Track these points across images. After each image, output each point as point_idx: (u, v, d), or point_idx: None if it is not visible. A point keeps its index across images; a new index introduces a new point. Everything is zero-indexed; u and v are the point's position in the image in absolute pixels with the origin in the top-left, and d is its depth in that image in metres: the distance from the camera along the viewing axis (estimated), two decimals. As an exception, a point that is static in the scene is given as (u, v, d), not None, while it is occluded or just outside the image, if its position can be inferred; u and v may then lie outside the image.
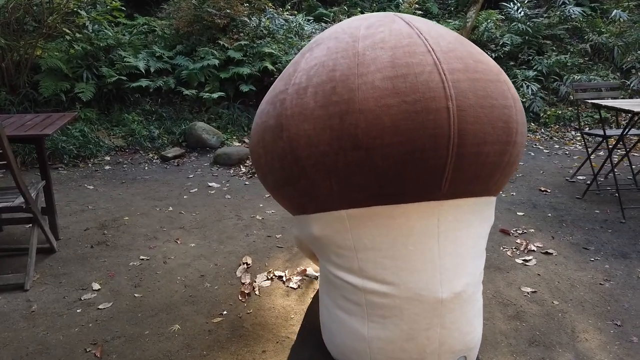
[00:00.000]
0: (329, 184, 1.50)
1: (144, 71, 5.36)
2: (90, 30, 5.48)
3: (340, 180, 1.35)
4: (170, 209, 3.57)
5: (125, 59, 5.38)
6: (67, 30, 5.19)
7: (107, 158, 4.81)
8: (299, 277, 2.55)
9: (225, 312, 2.25)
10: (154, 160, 4.83)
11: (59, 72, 5.12)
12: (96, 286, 2.47)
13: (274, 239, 3.04)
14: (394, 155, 1.30)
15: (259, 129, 1.69)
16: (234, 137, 5.36)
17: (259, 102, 5.79)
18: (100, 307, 2.29)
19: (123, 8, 5.66)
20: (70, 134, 4.78)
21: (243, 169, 4.55)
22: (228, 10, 5.86)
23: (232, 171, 4.52)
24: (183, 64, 5.66)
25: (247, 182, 4.20)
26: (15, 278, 2.47)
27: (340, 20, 6.63)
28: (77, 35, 5.37)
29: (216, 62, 5.56)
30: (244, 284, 2.50)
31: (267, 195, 3.86)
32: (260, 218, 3.39)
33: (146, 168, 4.62)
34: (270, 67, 5.53)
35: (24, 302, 2.32)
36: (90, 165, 4.67)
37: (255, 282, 2.52)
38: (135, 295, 2.40)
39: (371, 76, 1.33)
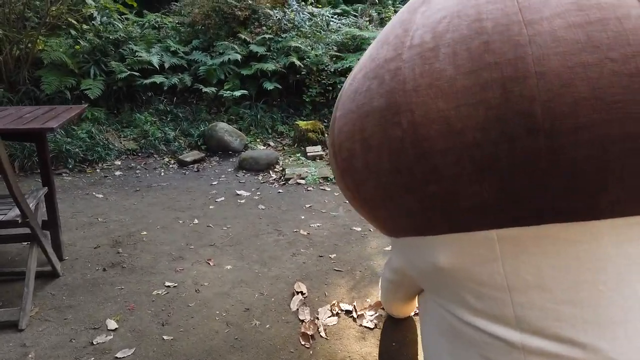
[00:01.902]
0: (478, 190, 0.97)
1: (157, 67, 4.82)
2: (99, 22, 4.94)
3: (500, 184, 0.94)
4: (196, 221, 3.00)
5: (137, 54, 4.84)
6: (73, 21, 4.65)
7: (118, 163, 4.25)
8: (372, 313, 1.97)
9: (287, 364, 1.67)
10: (171, 165, 4.26)
11: (63, 67, 4.58)
12: (112, 324, 1.89)
13: (327, 260, 2.46)
14: (595, 144, 0.85)
15: (355, 115, 1.17)
16: (258, 140, 4.81)
17: (284, 102, 5.24)
18: (118, 355, 1.72)
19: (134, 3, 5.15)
20: (76, 135, 4.22)
21: (273, 175, 3.98)
22: (250, 1, 5.33)
23: (260, 177, 3.95)
24: (200, 60, 5.12)
25: (280, 190, 3.63)
26: (8, 314, 1.89)
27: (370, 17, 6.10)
28: (84, 26, 4.83)
29: (238, 57, 5.02)
30: (303, 321, 1.92)
31: (308, 206, 3.29)
32: (306, 233, 2.81)
33: (162, 174, 4.06)
34: (297, 62, 4.99)
35: (17, 348, 1.75)
36: (98, 170, 4.10)
37: (317, 319, 1.93)
38: (165, 337, 1.82)
39: (547, 23, 0.90)
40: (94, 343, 1.79)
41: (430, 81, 1.01)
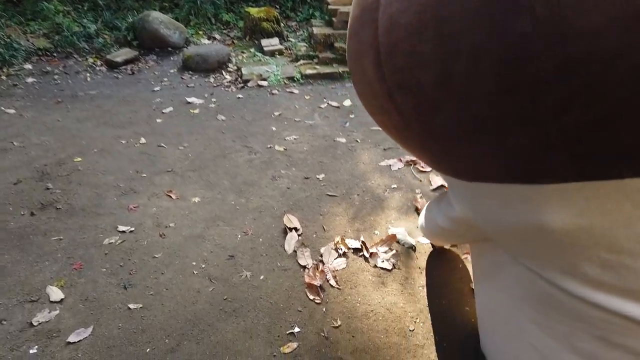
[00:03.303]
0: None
1: (62, -62, 3.76)
2: None
3: None
4: (143, 140, 2.43)
5: None
6: None
7: (28, 67, 3.42)
8: (385, 249, 1.62)
9: (297, 330, 1.31)
10: (98, 68, 3.50)
11: None
12: (56, 293, 1.43)
13: (316, 183, 2.05)
14: None
15: None
16: (200, 33, 4.05)
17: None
18: (71, 339, 1.28)
19: None
20: (-34, 32, 3.30)
21: (227, 77, 3.36)
22: None
23: (212, 80, 3.32)
24: None
25: (240, 96, 3.05)
26: None
27: None
28: None
29: None
30: (305, 268, 1.55)
31: (277, 113, 2.77)
32: (282, 149, 2.34)
33: (89, 79, 3.32)
34: None
35: None
36: (4, 77, 3.28)
37: (322, 262, 1.56)
38: (131, 306, 1.40)
39: None
40: (34, 324, 1.33)
41: None
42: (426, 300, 1.37)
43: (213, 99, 2.99)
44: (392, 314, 1.37)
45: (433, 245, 1.61)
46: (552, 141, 0.71)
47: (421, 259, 1.59)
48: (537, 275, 0.94)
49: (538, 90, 0.67)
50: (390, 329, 1.32)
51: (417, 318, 1.36)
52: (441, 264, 1.53)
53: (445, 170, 0.94)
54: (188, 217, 1.82)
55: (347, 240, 1.67)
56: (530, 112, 0.68)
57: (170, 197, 1.95)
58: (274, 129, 2.57)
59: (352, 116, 2.74)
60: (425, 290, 1.44)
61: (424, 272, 1.53)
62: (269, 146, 2.37)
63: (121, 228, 1.74)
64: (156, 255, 1.61)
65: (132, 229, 1.75)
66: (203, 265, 1.57)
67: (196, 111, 2.80)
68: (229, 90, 3.14)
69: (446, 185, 1.96)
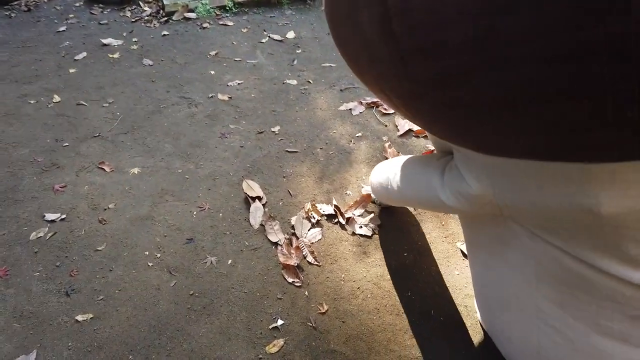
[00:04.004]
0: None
1: None
2: None
3: None
4: (57, 98, 2.04)
5: None
6: None
7: None
8: (361, 211, 1.48)
9: (281, 323, 1.17)
10: (-18, 5, 2.88)
11: None
12: (-20, 314, 1.18)
13: (271, 137, 1.83)
14: None
15: None
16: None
17: None
18: (11, 371, 1.07)
19: None
20: None
21: (146, 8, 2.89)
22: None
23: (128, 14, 2.85)
24: None
25: (165, 32, 2.65)
26: None
27: None
28: None
29: None
30: (277, 245, 1.38)
31: (212, 53, 2.43)
32: (226, 97, 2.06)
33: (-28, 21, 2.73)
34: None
35: None
36: None
37: (295, 236, 1.40)
38: (78, 318, 1.18)
39: None
40: (-41, 357, 1.09)
41: None
42: (414, 268, 1.26)
43: (134, 39, 2.56)
44: (380, 289, 1.26)
45: (383, 205, 1.48)
46: (614, 115, 0.55)
47: (401, 219, 1.47)
48: (566, 254, 0.83)
49: (613, 54, 0.50)
50: (382, 308, 1.21)
51: (407, 291, 1.26)
52: (421, 228, 1.42)
53: (463, 143, 0.77)
54: (129, 194, 1.56)
55: (318, 206, 1.50)
56: (595, 81, 0.52)
57: (104, 169, 1.66)
58: (212, 72, 2.25)
59: (298, 51, 2.46)
60: (410, 256, 1.33)
61: (405, 235, 1.41)
62: (210, 95, 2.07)
63: (49, 216, 1.46)
64: (99, 248, 1.37)
65: (63, 216, 1.47)
66: (158, 255, 1.35)
67: (116, 55, 2.39)
68: (152, 27, 2.71)
69: (414, 129, 1.73)
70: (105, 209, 1.50)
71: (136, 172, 1.65)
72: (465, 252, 1.35)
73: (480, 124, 0.67)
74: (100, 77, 2.20)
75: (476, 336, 1.14)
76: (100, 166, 1.67)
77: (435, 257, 1.35)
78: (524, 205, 0.82)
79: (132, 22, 2.77)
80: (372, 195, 1.48)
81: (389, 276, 1.30)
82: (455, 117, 0.70)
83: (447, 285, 1.27)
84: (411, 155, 1.19)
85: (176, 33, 2.63)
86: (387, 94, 0.80)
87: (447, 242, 1.40)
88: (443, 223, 1.46)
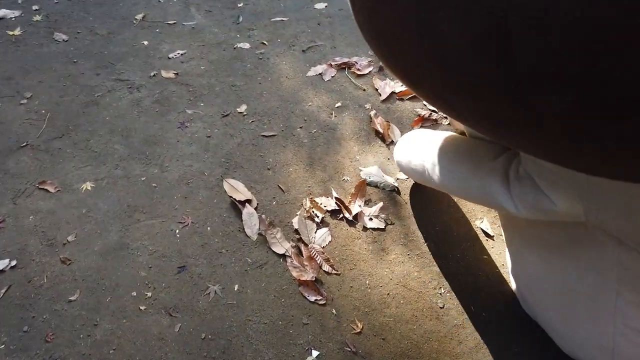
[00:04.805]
0: None
1: None
2: None
3: None
4: (-43, 101, 1.63)
5: None
6: None
7: None
8: (361, 202, 1.34)
9: (317, 354, 1.05)
10: None
11: None
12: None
13: (239, 120, 1.59)
14: None
15: None
16: None
17: None
18: None
19: None
20: None
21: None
22: None
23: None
24: None
25: (72, -6, 2.18)
26: None
27: None
28: None
29: None
30: (285, 257, 1.21)
31: (138, 17, 2.05)
32: (172, 74, 1.75)
33: None
34: None
35: None
36: None
37: (303, 243, 1.24)
38: (74, 397, 0.97)
39: None
40: None
41: None
42: (439, 258, 1.16)
43: (34, 7, 2.09)
44: (411, 291, 1.15)
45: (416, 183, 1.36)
46: None
47: (411, 202, 1.34)
48: None
49: None
50: (419, 314, 1.11)
51: (440, 287, 1.16)
52: (434, 208, 1.30)
53: (573, 167, 0.63)
54: (89, 218, 1.29)
55: (318, 201, 1.33)
56: None
57: (47, 190, 1.36)
58: (145, 43, 1.90)
59: (240, 5, 2.14)
60: (431, 245, 1.22)
61: (420, 220, 1.29)
62: (152, 74, 1.75)
63: (-5, 265, 1.18)
64: (72, 298, 1.13)
65: (13, 262, 1.19)
66: (148, 293, 1.14)
67: (17, 32, 1.94)
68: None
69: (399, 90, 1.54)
70: (64, 244, 1.24)
71: (89, 187, 1.37)
72: (488, 232, 1.27)
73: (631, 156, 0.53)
74: (5, 64, 1.78)
75: (525, 328, 1.08)
76: (41, 186, 1.37)
77: (457, 242, 1.25)
78: (625, 224, 0.72)
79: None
80: (404, 174, 1.33)
81: (415, 273, 1.19)
82: (593, 150, 0.55)
83: (479, 272, 1.19)
84: (443, 139, 1.04)
85: (85, -7, 2.18)
86: (468, 116, 0.63)
87: (465, 222, 1.30)
88: (456, 199, 1.35)
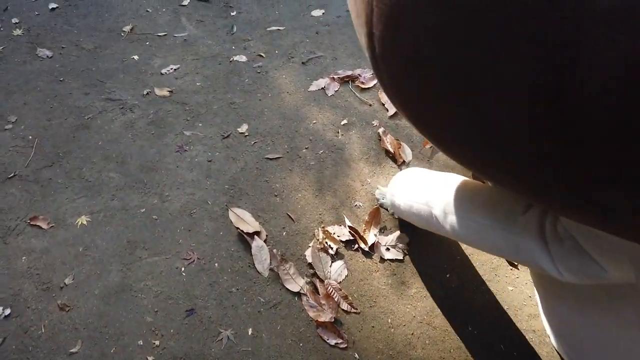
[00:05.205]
0: None
1: None
2: None
3: None
4: None
5: None
6: None
7: None
8: (376, 231, 1.27)
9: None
10: None
11: None
12: None
13: (241, 141, 1.50)
14: None
15: None
16: None
17: None
18: None
19: None
20: None
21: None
22: None
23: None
24: None
25: (54, 5, 2.06)
26: None
27: None
28: None
29: None
30: (300, 295, 1.14)
31: (126, 28, 1.94)
32: (166, 92, 1.66)
33: None
34: None
35: None
36: None
37: (318, 279, 1.17)
38: None
39: None
40: None
41: None
42: (462, 291, 1.10)
43: (14, 20, 1.96)
44: (436, 330, 1.09)
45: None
46: None
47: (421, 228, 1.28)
48: None
49: None
50: (447, 355, 1.05)
51: (467, 325, 1.10)
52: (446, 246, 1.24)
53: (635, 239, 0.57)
54: (86, 257, 1.20)
55: (330, 230, 1.26)
56: None
57: (39, 227, 1.26)
58: (135, 57, 1.80)
59: (233, 13, 2.04)
60: (454, 276, 1.16)
61: (439, 249, 1.23)
62: (145, 92, 1.65)
63: (-13, 316, 1.08)
64: (73, 350, 1.04)
65: (7, 310, 1.10)
66: (156, 342, 1.06)
67: (-3, 48, 1.83)
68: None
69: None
70: (61, 287, 1.15)
71: (84, 222, 1.28)
72: (512, 262, 1.21)
73: None
74: (-14, 84, 1.67)
75: (557, 367, 1.03)
76: (33, 222, 1.27)
77: (480, 272, 1.19)
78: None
79: (1, -8, 2.12)
80: (395, 214, 1.27)
81: (439, 309, 1.12)
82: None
83: (505, 306, 1.13)
84: (455, 183, 0.95)
85: (67, 4, 2.06)
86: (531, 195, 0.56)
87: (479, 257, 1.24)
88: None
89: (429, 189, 1.00)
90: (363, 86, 1.67)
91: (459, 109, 0.48)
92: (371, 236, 1.25)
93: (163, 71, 1.73)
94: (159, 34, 1.91)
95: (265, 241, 1.24)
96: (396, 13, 0.47)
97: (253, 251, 1.21)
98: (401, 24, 0.48)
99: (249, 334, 1.08)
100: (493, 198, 0.86)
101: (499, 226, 0.83)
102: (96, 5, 2.05)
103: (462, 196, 0.91)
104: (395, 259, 1.21)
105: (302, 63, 1.78)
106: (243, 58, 1.80)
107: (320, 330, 1.08)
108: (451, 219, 0.92)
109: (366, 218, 1.29)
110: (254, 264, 1.20)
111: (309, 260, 1.20)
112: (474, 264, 1.21)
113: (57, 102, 1.61)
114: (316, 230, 1.26)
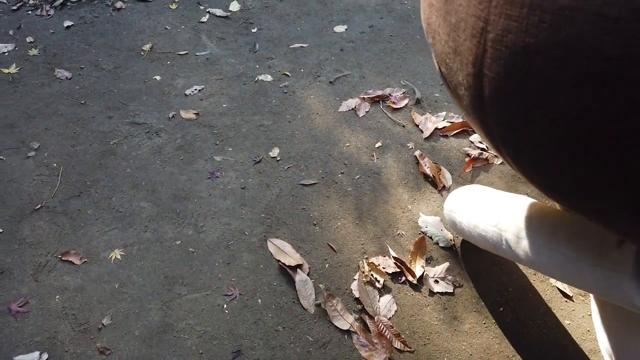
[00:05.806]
0: None
1: None
2: None
3: None
4: (-45, 157, 1.46)
5: None
6: None
7: None
8: (422, 262, 1.23)
9: None
10: None
11: None
12: None
13: (274, 166, 1.46)
14: None
15: None
16: None
17: None
18: None
19: None
20: None
21: (30, -11, 2.17)
22: None
23: (5, -1, 2.13)
24: None
25: (69, 23, 2.01)
26: None
27: None
28: None
29: None
30: (350, 333, 1.09)
31: (146, 47, 1.89)
32: (192, 115, 1.61)
33: None
34: None
35: None
36: None
37: (368, 315, 1.12)
38: None
39: None
40: None
41: None
42: (518, 326, 1.06)
43: (29, 39, 1.91)
44: (494, 368, 1.05)
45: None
46: None
47: (469, 257, 1.24)
48: None
49: None
50: (508, 395, 1.01)
51: (524, 361, 1.06)
52: (498, 266, 1.20)
53: None
54: (123, 294, 1.15)
55: (374, 261, 1.21)
56: None
57: (72, 262, 1.21)
58: (158, 78, 1.75)
59: (254, 30, 2.00)
60: (508, 310, 1.12)
61: (490, 280, 1.19)
62: (170, 115, 1.60)
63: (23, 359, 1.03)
64: (117, 398, 0.99)
65: (45, 356, 1.05)
66: (204, 387, 1.01)
67: (13, 70, 1.77)
68: (44, 14, 2.04)
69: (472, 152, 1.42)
70: (99, 328, 1.09)
71: (118, 256, 1.23)
72: (566, 292, 1.17)
73: None
74: (4, 109, 1.61)
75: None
76: (64, 258, 1.22)
77: (534, 304, 1.15)
78: None
79: (13, 10, 2.07)
80: (455, 232, 1.22)
81: (496, 345, 1.08)
82: None
83: (565, 342, 1.09)
84: (531, 206, 0.92)
85: (83, 21, 2.01)
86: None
87: (538, 280, 1.20)
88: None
89: (498, 210, 0.97)
90: (394, 106, 1.63)
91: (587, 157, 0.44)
92: (418, 268, 1.20)
93: (187, 92, 1.69)
94: (180, 53, 1.86)
95: (308, 274, 1.19)
96: (527, 59, 0.44)
97: (297, 286, 1.17)
98: (532, 72, 0.44)
99: (300, 376, 1.03)
100: (581, 229, 0.82)
101: (589, 260, 0.79)
102: (112, 22, 2.00)
103: (541, 223, 0.87)
104: (446, 292, 1.17)
105: (330, 82, 1.74)
106: (268, 77, 1.75)
107: (375, 371, 1.03)
108: (525, 246, 0.89)
109: (411, 248, 1.24)
110: (298, 300, 1.15)
111: (356, 295, 1.15)
112: (528, 297, 1.17)
113: (80, 127, 1.56)
114: (360, 262, 1.22)
